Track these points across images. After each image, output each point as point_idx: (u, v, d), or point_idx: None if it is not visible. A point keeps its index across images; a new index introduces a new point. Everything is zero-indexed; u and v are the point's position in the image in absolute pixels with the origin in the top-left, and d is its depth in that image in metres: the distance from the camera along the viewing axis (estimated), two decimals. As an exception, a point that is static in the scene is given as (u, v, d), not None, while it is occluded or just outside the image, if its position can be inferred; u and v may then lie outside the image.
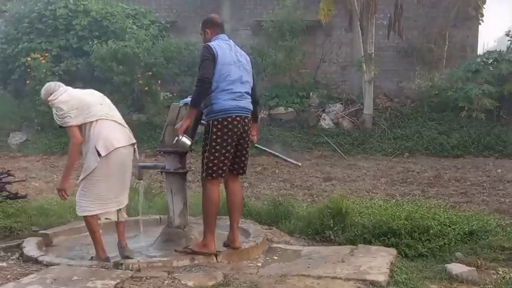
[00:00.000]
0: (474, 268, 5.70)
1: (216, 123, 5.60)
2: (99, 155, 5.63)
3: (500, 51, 18.49)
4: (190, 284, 5.14)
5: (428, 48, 19.46)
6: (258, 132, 6.40)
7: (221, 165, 5.67)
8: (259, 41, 19.39)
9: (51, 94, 5.79)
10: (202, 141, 5.78)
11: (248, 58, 6.01)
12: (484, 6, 19.96)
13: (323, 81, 19.71)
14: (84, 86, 6.43)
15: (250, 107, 5.86)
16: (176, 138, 5.65)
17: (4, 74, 19.64)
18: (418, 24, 19.36)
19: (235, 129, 5.65)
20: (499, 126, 16.75)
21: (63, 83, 5.98)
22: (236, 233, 6.01)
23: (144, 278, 5.24)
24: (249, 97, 5.87)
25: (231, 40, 5.98)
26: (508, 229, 6.89)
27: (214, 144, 5.61)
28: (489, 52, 18.79)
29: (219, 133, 5.60)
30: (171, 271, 5.45)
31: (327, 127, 17.61)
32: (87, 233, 6.18)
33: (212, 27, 5.99)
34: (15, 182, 8.43)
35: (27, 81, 18.55)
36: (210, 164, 5.65)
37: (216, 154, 5.62)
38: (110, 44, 17.92)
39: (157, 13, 20.64)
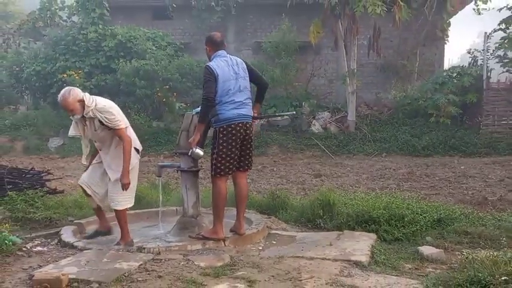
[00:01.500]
0: (442, 250, 5.72)
1: (221, 129, 5.70)
2: (138, 152, 5.89)
3: (463, 66, 18.51)
4: (202, 264, 5.15)
5: (402, 64, 19.48)
6: (259, 112, 6.37)
7: (227, 164, 5.76)
8: (259, 59, 19.39)
9: (79, 100, 5.50)
10: (211, 144, 5.85)
11: (244, 65, 5.99)
12: (449, 28, 20.01)
13: (313, 93, 19.72)
14: (112, 99, 6.31)
15: (251, 113, 5.93)
16: (191, 150, 5.79)
17: (44, 89, 19.67)
18: (393, 44, 19.38)
19: (238, 134, 5.73)
20: (462, 130, 16.73)
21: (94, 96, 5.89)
22: (242, 222, 6.07)
23: (163, 260, 5.26)
24: (249, 102, 5.93)
25: (228, 55, 5.99)
26: (471, 217, 6.87)
27: (221, 147, 5.71)
28: (453, 67, 18.77)
29: (224, 138, 5.69)
30: (186, 254, 5.47)
31: (316, 131, 17.57)
32: (115, 222, 6.19)
33: (211, 45, 6.03)
34: (54, 179, 8.45)
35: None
36: (218, 164, 5.75)
37: (223, 155, 5.72)
38: (133, 63, 18.06)
39: (173, 36, 20.65)
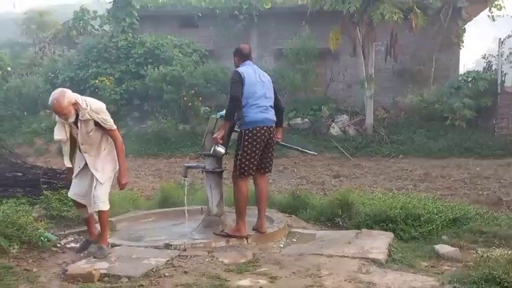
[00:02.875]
0: (457, 248, 5.66)
1: (247, 131, 5.71)
2: None
3: (477, 71, 18.27)
4: (226, 261, 5.17)
5: (418, 69, 19.31)
6: (281, 135, 6.43)
7: (251, 165, 5.79)
8: (280, 65, 19.42)
9: (73, 103, 5.08)
10: (236, 146, 5.86)
11: (269, 78, 6.06)
12: (464, 34, 19.82)
13: (332, 97, 19.62)
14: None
15: (274, 118, 5.94)
16: (213, 147, 5.80)
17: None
18: (409, 50, 19.20)
19: (263, 137, 5.74)
20: (477, 132, 16.53)
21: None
22: (263, 220, 6.07)
23: (189, 256, 5.29)
24: (273, 109, 5.94)
25: (255, 65, 6.04)
26: (485, 216, 6.81)
27: (245, 149, 5.73)
28: (468, 72, 18.57)
29: (249, 140, 5.70)
30: (211, 251, 5.49)
31: (335, 134, 17.53)
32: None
33: (239, 56, 6.08)
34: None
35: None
36: (242, 165, 5.77)
37: (247, 157, 5.74)
38: (160, 69, 18.18)
39: (198, 43, 20.71)
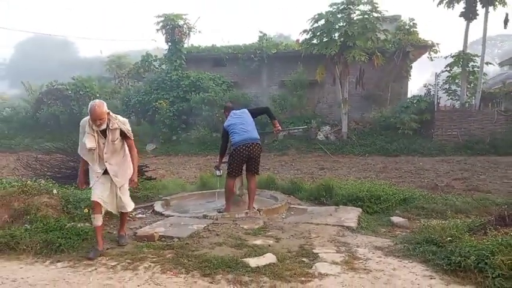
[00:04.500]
0: (407, 219, 5.65)
1: (233, 149, 5.85)
2: None
3: (420, 95, 18.27)
4: (245, 227, 5.18)
5: (378, 94, 19.17)
6: (279, 124, 6.45)
7: (236, 170, 5.87)
8: (282, 92, 19.37)
9: (107, 112, 4.27)
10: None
11: (246, 111, 6.16)
12: (411, 70, 19.72)
13: (319, 114, 19.52)
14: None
15: (254, 135, 5.93)
16: (215, 171, 6.40)
17: (143, 112, 20.10)
18: (372, 81, 19.05)
19: (245, 152, 5.79)
20: (420, 138, 16.42)
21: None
22: (251, 204, 6.02)
23: (220, 224, 5.31)
24: (251, 130, 5.94)
25: (236, 111, 6.17)
26: (426, 197, 6.74)
27: (232, 160, 5.85)
28: (414, 96, 18.49)
29: (235, 154, 5.82)
30: (234, 220, 5.51)
31: (321, 139, 17.43)
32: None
33: (227, 111, 6.29)
34: (150, 170, 8.59)
35: (156, 116, 18.89)
36: (230, 169, 5.88)
37: (234, 165, 5.84)
38: (200, 95, 18.30)
39: (226, 77, 20.76)
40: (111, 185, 4.41)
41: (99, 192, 4.34)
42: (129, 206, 4.61)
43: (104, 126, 4.27)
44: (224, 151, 6.18)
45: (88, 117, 4.26)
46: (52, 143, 11.39)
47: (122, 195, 4.48)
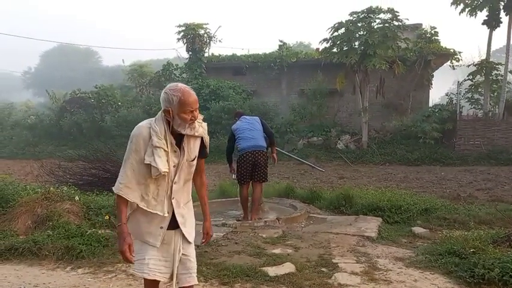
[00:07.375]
0: (428, 230, 5.57)
1: (240, 156, 5.96)
2: None
3: (442, 104, 18.09)
4: (264, 235, 5.17)
5: (399, 103, 18.97)
6: (275, 152, 6.44)
7: (244, 177, 5.96)
8: (302, 101, 19.36)
9: None
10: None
11: (259, 119, 6.24)
12: (433, 78, 19.47)
13: (338, 122, 19.42)
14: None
15: (260, 143, 5.99)
16: (231, 175, 6.50)
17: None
18: (393, 89, 18.89)
19: (250, 159, 5.89)
20: (442, 147, 16.13)
21: None
22: (255, 210, 6.04)
23: (239, 232, 5.32)
24: (258, 137, 5.99)
25: (247, 116, 6.33)
26: (448, 207, 6.63)
27: (239, 167, 5.98)
28: (436, 105, 18.35)
29: (241, 161, 5.93)
30: (253, 228, 5.51)
31: (340, 148, 17.32)
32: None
33: (236, 116, 6.46)
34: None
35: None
36: (239, 177, 5.99)
37: (241, 172, 5.95)
38: (220, 103, 18.43)
39: (246, 85, 20.88)
40: (176, 243, 2.41)
41: (155, 267, 2.36)
42: (195, 273, 2.46)
43: (190, 131, 2.35)
44: (230, 154, 6.25)
45: (147, 122, 2.41)
46: (74, 150, 11.60)
47: (190, 256, 2.44)
